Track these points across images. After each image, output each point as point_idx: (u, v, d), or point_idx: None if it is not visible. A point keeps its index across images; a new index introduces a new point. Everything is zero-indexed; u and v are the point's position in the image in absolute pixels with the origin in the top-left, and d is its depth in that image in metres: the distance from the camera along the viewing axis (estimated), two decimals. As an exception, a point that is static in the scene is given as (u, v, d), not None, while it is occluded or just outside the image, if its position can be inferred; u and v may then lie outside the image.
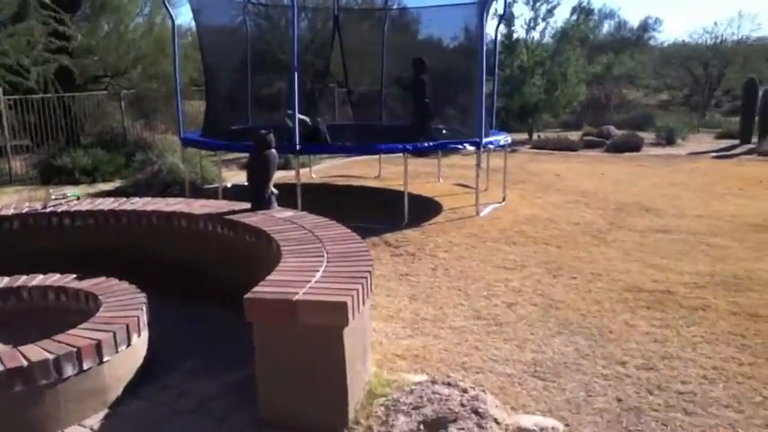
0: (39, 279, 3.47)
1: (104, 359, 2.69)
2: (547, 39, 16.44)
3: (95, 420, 2.65)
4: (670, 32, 75.28)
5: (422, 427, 2.51)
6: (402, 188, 7.14)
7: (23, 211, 4.12)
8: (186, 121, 9.22)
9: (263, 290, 2.63)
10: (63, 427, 2.58)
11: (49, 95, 11.35)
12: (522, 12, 43.69)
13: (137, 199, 4.42)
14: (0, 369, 2.44)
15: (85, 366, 2.62)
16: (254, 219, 3.74)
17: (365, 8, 12.26)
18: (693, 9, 62.46)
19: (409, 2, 10.57)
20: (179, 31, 9.76)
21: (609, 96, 20.60)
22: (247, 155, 4.95)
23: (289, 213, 3.90)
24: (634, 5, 66.96)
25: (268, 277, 2.77)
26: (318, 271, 2.81)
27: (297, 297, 2.51)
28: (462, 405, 2.61)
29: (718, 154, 13.37)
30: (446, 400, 2.64)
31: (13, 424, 2.49)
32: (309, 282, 2.67)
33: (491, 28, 9.23)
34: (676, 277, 5.04)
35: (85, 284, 3.35)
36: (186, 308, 3.71)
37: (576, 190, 8.95)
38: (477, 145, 7.39)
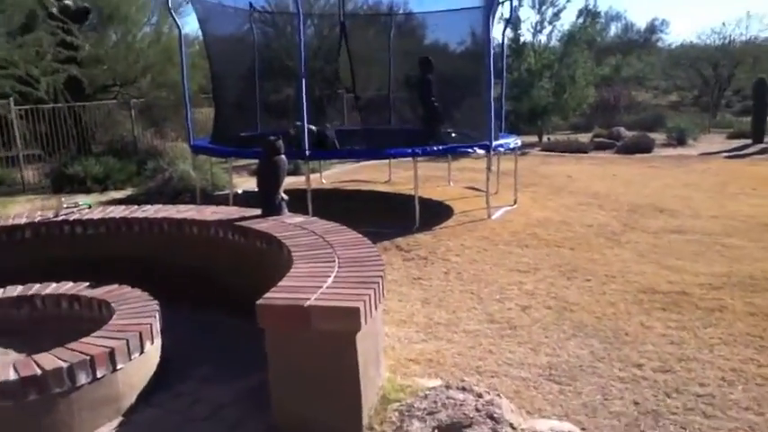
0: (52, 287, 3.47)
1: (118, 367, 2.69)
2: (554, 42, 16.41)
3: (109, 428, 2.65)
4: (677, 34, 74.91)
5: (437, 432, 2.49)
6: (412, 192, 7.13)
7: (36, 220, 4.13)
8: (196, 128, 9.27)
9: (274, 296, 2.61)
10: (77, 435, 2.57)
11: (60, 105, 11.46)
12: (528, 15, 43.64)
13: (148, 207, 4.43)
14: (14, 377, 2.45)
15: (99, 374, 2.61)
16: (264, 225, 3.73)
17: (371, 14, 12.27)
18: (699, 10, 62.18)
19: (415, 7, 10.59)
20: (186, 40, 9.84)
21: (618, 98, 20.52)
22: (257, 161, 4.95)
23: (299, 219, 3.89)
24: (640, 7, 66.78)
25: (279, 283, 2.75)
26: (330, 276, 2.80)
27: (309, 303, 2.50)
28: (477, 410, 2.58)
29: (731, 154, 13.27)
30: (461, 404, 2.61)
31: (27, 432, 2.49)
32: (321, 287, 2.66)
33: (498, 32, 9.24)
34: (692, 278, 4.98)
35: (98, 292, 3.35)
36: (196, 314, 3.71)
37: (588, 192, 8.89)
38: (487, 148, 7.36)
